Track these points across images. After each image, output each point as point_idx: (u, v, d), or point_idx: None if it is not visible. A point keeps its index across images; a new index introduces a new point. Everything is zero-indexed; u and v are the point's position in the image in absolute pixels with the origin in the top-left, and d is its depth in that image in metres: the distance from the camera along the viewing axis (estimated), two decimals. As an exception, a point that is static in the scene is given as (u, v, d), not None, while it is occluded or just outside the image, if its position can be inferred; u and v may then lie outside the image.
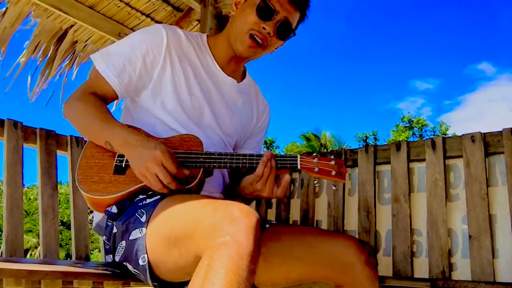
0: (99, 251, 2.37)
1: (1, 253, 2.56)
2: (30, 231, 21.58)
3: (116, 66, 1.27)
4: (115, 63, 1.27)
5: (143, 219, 1.12)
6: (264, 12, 1.27)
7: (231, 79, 1.42)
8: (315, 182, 1.31)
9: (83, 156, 1.24)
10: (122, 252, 1.17)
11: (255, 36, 1.29)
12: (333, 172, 1.25)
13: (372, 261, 1.28)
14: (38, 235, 13.87)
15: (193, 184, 1.18)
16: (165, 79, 1.30)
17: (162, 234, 1.06)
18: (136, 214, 1.15)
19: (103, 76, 1.27)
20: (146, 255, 1.09)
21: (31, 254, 20.96)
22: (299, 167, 1.25)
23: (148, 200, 1.17)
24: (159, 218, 1.08)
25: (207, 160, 1.21)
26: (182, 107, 1.31)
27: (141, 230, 1.11)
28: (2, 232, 7.83)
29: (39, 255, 1.78)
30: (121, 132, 1.19)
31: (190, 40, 1.37)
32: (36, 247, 21.01)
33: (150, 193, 1.19)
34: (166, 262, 1.07)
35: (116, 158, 1.22)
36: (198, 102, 1.34)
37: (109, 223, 1.23)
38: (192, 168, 1.19)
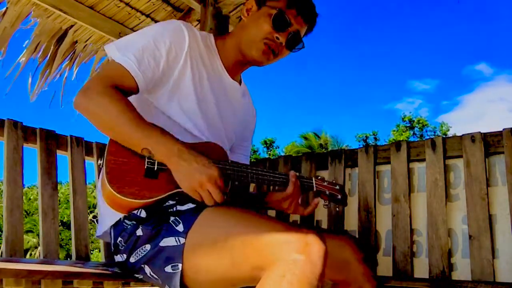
0: (99, 251, 2.36)
1: (1, 253, 2.56)
2: (30, 231, 21.61)
3: (140, 60, 1.20)
4: (139, 57, 1.20)
5: (180, 228, 1.11)
6: (280, 23, 1.31)
7: (236, 83, 1.43)
8: (324, 205, 1.44)
9: (109, 152, 1.16)
10: (143, 255, 1.15)
11: (268, 44, 1.32)
12: (339, 197, 1.42)
13: (368, 259, 1.31)
14: (38, 235, 13.88)
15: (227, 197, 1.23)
16: (185, 78, 1.28)
17: (212, 243, 1.05)
18: (170, 222, 1.13)
19: (128, 70, 1.18)
20: (180, 264, 1.07)
21: (31, 254, 20.98)
22: (315, 189, 1.38)
23: (180, 208, 1.16)
24: (208, 227, 1.08)
25: (237, 173, 1.24)
26: (199, 108, 1.30)
27: (178, 239, 1.09)
28: (2, 232, 7.83)
29: (39, 255, 1.78)
30: (162, 140, 1.14)
31: (203, 40, 1.36)
32: (36, 247, 21.03)
33: (177, 198, 1.18)
34: (211, 271, 1.06)
35: (146, 160, 1.16)
36: (210, 104, 1.34)
37: (130, 225, 1.20)
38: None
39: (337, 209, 1.49)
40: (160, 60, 1.23)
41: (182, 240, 1.09)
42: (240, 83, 1.48)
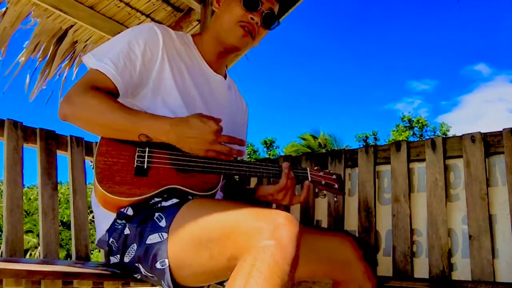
0: (99, 251, 2.37)
1: (1, 253, 2.57)
2: (30, 231, 21.60)
3: (117, 64, 1.21)
4: (116, 61, 1.21)
5: (163, 223, 1.11)
6: (250, 4, 1.32)
7: (220, 76, 1.43)
8: (321, 195, 1.38)
9: (99, 153, 1.18)
10: (133, 254, 1.15)
11: (245, 26, 1.33)
12: (336, 186, 1.37)
13: (368, 257, 1.31)
14: (38, 235, 13.87)
15: (215, 190, 1.24)
16: (164, 77, 1.29)
17: (190, 237, 1.05)
18: (154, 218, 1.14)
19: (106, 75, 1.20)
20: (166, 260, 1.08)
21: (31, 254, 20.97)
22: (309, 179, 1.33)
23: (165, 203, 1.16)
24: (186, 221, 1.08)
25: (227, 167, 1.23)
26: (184, 102, 1.30)
27: (161, 235, 1.10)
28: (2, 232, 7.82)
29: (39, 255, 1.78)
30: (154, 121, 1.16)
31: (179, 39, 1.37)
32: (36, 247, 21.02)
33: (165, 195, 1.19)
34: (192, 265, 1.06)
35: (136, 159, 1.18)
36: (195, 98, 1.34)
37: (120, 225, 1.21)
38: (213, 174, 1.23)
39: (335, 199, 1.45)
40: (136, 61, 1.24)
41: (165, 235, 1.09)
42: (225, 77, 1.48)
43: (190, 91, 1.33)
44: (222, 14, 1.35)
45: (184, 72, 1.33)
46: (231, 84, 1.54)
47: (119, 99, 1.26)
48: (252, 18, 1.32)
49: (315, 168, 1.39)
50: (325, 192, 1.38)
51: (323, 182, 1.36)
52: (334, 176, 1.40)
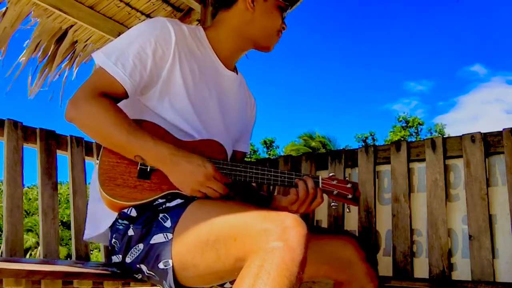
0: (99, 251, 2.38)
1: (1, 253, 2.57)
2: (30, 231, 21.61)
3: (126, 65, 1.18)
4: (125, 61, 1.18)
5: (168, 224, 1.11)
6: (284, 14, 1.42)
7: (232, 73, 1.41)
8: (333, 205, 1.36)
9: (104, 154, 1.18)
10: (137, 254, 1.15)
11: (279, 33, 1.42)
12: (349, 196, 1.32)
13: (371, 258, 1.30)
14: (38, 235, 13.87)
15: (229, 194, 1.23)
16: (174, 77, 1.25)
17: (197, 237, 1.05)
18: (159, 219, 1.13)
19: (114, 76, 1.17)
20: (170, 260, 1.07)
21: (31, 254, 20.98)
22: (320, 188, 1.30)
23: (169, 204, 1.16)
24: (192, 221, 1.07)
25: (233, 173, 1.22)
26: (192, 106, 1.27)
27: (166, 235, 1.09)
28: (2, 232, 7.82)
29: (39, 255, 1.78)
30: (153, 145, 1.14)
31: (192, 34, 1.33)
32: (36, 247, 21.03)
33: (169, 196, 1.18)
34: (197, 265, 1.05)
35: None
36: (206, 100, 1.31)
37: (121, 225, 1.20)
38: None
39: (348, 210, 1.39)
40: (147, 61, 1.20)
41: (170, 236, 1.09)
42: (236, 73, 1.46)
43: (201, 91, 1.30)
44: (262, 19, 1.37)
45: (196, 71, 1.30)
46: (242, 80, 1.52)
47: (128, 99, 1.24)
48: (283, 27, 1.42)
49: (330, 175, 1.34)
50: (336, 203, 1.33)
51: (335, 192, 1.30)
52: (349, 185, 1.32)
